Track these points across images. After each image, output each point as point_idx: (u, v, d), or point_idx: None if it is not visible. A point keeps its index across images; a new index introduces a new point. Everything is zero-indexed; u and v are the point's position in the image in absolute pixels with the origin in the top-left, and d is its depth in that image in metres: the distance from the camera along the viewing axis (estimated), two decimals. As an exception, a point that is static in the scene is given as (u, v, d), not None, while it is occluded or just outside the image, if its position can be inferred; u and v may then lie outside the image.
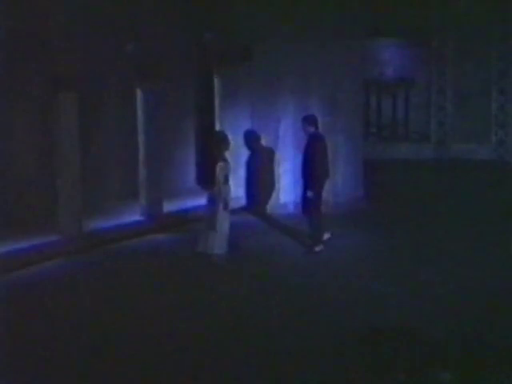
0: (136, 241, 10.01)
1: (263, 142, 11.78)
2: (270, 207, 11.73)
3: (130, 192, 11.30)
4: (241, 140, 11.68)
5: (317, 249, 9.34)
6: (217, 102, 12.34)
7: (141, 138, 10.95)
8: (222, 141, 8.80)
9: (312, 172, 9.18)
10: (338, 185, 12.12)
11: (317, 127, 9.43)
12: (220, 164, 8.43)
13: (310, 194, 9.10)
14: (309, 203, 9.25)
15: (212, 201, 8.73)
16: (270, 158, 11.61)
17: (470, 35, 17.47)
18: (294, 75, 11.88)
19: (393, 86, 18.77)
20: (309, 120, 9.43)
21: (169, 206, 11.21)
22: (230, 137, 9.14)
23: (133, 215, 10.81)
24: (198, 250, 8.79)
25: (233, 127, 11.67)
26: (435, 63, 18.46)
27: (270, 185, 11.80)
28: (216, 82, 12.38)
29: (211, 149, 8.89)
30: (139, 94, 10.85)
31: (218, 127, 12.11)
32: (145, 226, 10.61)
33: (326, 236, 9.50)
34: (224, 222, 8.64)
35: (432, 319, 6.79)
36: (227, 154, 8.89)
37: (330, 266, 8.77)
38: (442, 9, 16.93)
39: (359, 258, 9.15)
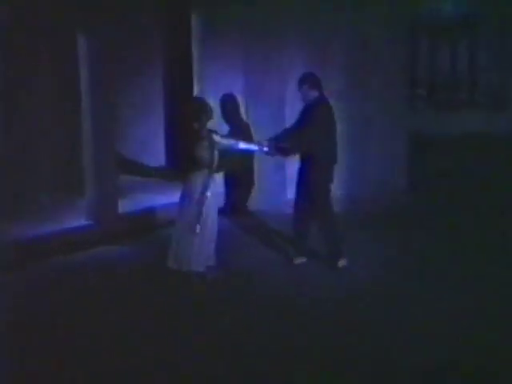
0: (79, 255, 9.59)
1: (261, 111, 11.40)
2: (271, 205, 11.50)
3: (69, 184, 10.94)
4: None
5: (297, 261, 9.20)
6: (195, 52, 11.89)
7: (85, 105, 10.37)
8: (201, 109, 8.78)
9: (313, 152, 8.96)
10: (370, 172, 11.73)
11: (321, 90, 9.14)
12: (215, 137, 8.56)
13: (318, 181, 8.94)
14: (306, 197, 9.10)
15: (189, 194, 8.61)
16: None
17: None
18: (305, 14, 11.47)
19: (452, 29, 18.31)
20: (308, 81, 9.17)
21: (127, 204, 10.75)
22: (212, 102, 9.16)
23: (75, 218, 10.36)
24: (170, 266, 8.60)
25: (218, 89, 11.41)
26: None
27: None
28: (194, 23, 11.91)
29: (189, 120, 8.80)
30: (80, 41, 10.27)
31: (196, 89, 11.77)
32: (92, 234, 10.10)
33: (341, 263, 9.21)
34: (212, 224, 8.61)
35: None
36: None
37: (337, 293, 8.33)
38: None
39: (393, 281, 8.63)
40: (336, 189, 10.34)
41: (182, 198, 8.68)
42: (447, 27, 18.19)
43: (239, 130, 11.31)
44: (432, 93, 18.56)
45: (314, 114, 9.03)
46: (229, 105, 11.59)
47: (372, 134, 11.98)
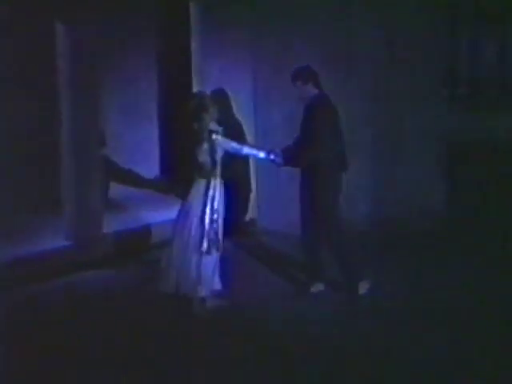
0: (59, 282, 9.43)
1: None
2: (283, 223, 11.27)
3: (46, 200, 10.97)
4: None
5: (313, 289, 9.04)
6: (194, 44, 11.82)
7: (65, 106, 10.28)
8: (203, 107, 8.79)
9: (318, 158, 8.80)
10: (396, 190, 11.46)
11: (319, 85, 8.88)
12: (215, 138, 8.58)
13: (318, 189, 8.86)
14: (315, 210, 8.96)
15: (189, 206, 8.61)
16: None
17: None
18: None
19: (499, 13, 18.11)
20: (301, 75, 8.90)
21: (114, 222, 10.70)
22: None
23: (53, 238, 10.27)
24: (161, 289, 8.57)
25: (222, 87, 11.38)
26: None
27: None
28: (193, 11, 11.80)
29: (188, 120, 8.87)
30: (61, 31, 10.12)
31: (195, 86, 11.71)
32: (73, 257, 9.98)
33: (363, 287, 8.98)
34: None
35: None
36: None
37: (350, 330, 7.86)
38: None
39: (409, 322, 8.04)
40: (360, 205, 10.69)
41: (181, 211, 8.70)
42: (493, 12, 17.66)
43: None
44: (475, 91, 18.03)
45: (316, 117, 8.88)
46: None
47: (402, 141, 11.53)
